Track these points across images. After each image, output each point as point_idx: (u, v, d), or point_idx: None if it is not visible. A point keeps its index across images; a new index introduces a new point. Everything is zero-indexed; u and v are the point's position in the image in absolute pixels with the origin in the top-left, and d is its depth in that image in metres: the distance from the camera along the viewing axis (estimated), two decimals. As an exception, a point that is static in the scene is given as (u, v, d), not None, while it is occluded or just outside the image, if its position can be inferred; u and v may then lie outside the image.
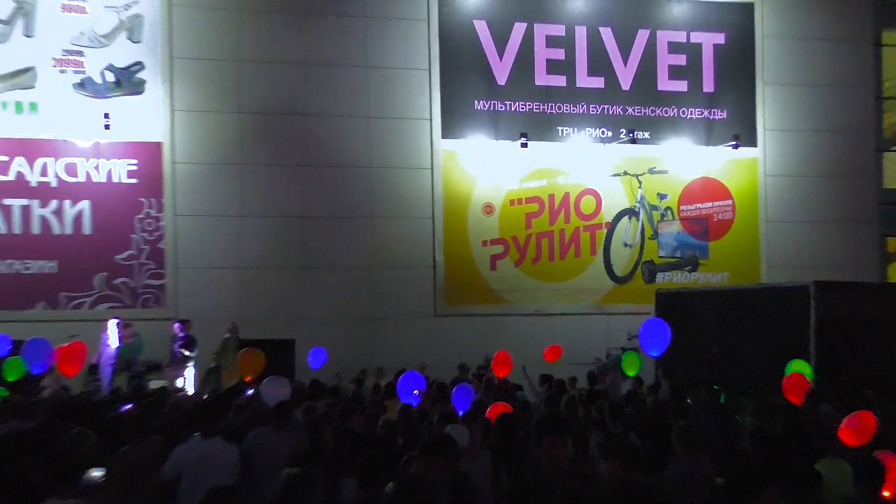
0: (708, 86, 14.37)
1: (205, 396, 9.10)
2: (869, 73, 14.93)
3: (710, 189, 14.31)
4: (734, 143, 13.98)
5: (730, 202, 14.30)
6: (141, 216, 12.37)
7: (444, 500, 3.43)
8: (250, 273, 12.47)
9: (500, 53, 13.55)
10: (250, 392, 8.08)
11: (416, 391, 7.42)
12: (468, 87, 13.51)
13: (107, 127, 12.04)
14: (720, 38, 14.34)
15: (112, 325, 10.35)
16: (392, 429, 5.88)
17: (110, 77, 12.38)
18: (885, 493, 4.04)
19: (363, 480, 3.90)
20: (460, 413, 6.00)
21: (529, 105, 13.69)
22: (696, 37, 14.30)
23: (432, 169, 13.17)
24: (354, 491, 4.07)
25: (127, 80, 12.37)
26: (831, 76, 14.53)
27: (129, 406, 7.23)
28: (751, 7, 14.37)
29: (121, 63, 12.26)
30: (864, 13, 14.80)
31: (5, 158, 12.03)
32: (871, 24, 14.97)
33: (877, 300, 11.11)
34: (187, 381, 10.50)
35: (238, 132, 12.69)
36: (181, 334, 10.93)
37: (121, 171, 12.31)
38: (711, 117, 14.28)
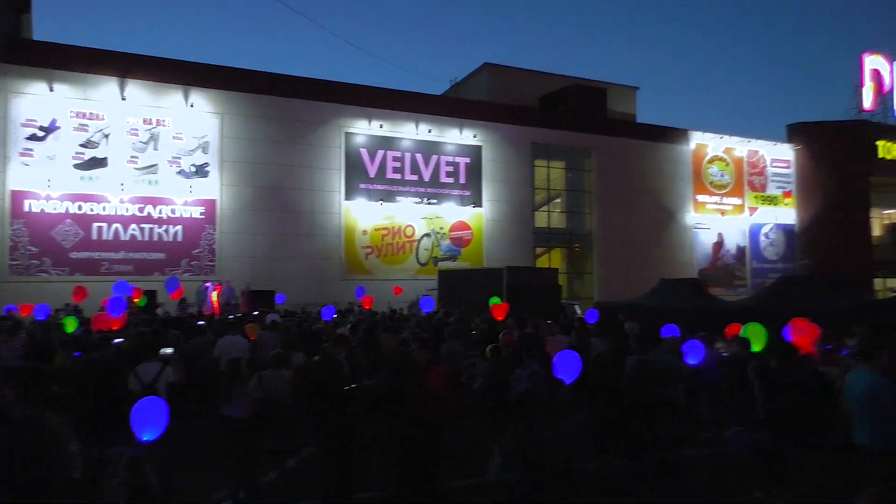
0: (462, 180, 28.40)
1: (229, 317, 16.03)
2: (528, 176, 30.41)
3: (463, 226, 29.04)
4: (473, 205, 29.36)
5: (471, 231, 29.82)
6: (205, 234, 25.14)
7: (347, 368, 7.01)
8: (256, 259, 24.33)
9: (371, 162, 26.56)
10: (256, 313, 16.13)
11: (334, 315, 20.93)
12: (356, 177, 26.44)
13: (190, 191, 24.94)
14: (468, 160, 28.56)
15: (206, 285, 23.19)
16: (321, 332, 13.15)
17: (193, 169, 24.99)
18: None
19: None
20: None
21: (383, 186, 26.91)
22: (458, 159, 28.33)
23: (340, 214, 26.30)
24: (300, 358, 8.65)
25: (201, 170, 25.10)
26: (512, 178, 29.41)
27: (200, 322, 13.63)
28: (480, 148, 28.79)
29: (199, 162, 25.12)
30: (526, 150, 30.14)
31: (142, 205, 22.86)
32: (530, 153, 30.38)
33: (531, 274, 23.73)
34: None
35: (252, 195, 24.52)
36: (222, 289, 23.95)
37: (195, 212, 24.92)
38: (464, 194, 28.80)
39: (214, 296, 21.27)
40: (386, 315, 18.35)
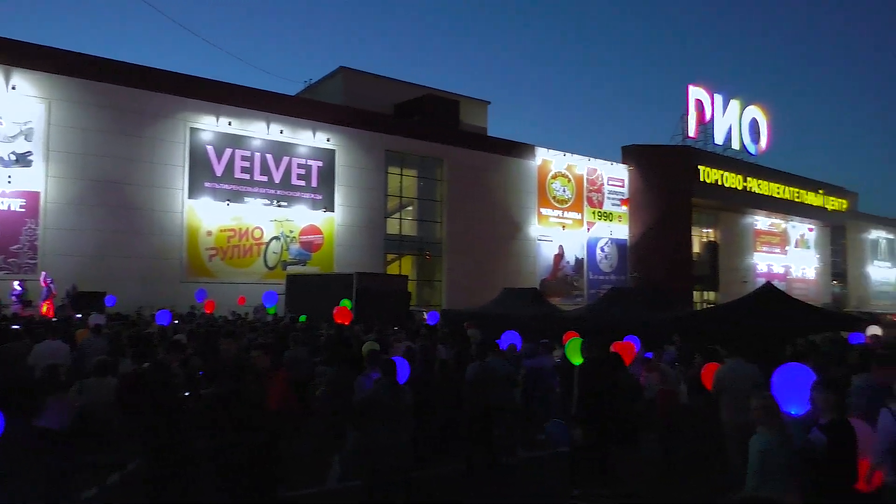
0: (315, 184, 27.98)
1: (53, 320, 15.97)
2: (381, 182, 30.50)
3: (314, 230, 28.49)
4: (325, 210, 28.78)
5: (322, 235, 29.38)
6: (25, 228, 22.67)
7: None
8: (85, 258, 22.22)
9: (219, 160, 25.48)
10: (79, 316, 17.32)
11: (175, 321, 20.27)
12: (201, 175, 25.18)
13: (9, 182, 22.50)
14: (321, 164, 28.16)
15: (16, 283, 21.14)
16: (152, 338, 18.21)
17: (13, 157, 22.54)
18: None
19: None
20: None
21: (231, 186, 25.85)
22: (310, 161, 27.87)
23: (183, 213, 24.81)
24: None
25: (23, 159, 22.73)
26: (365, 183, 29.37)
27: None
28: (333, 152, 28.45)
29: (20, 150, 22.70)
30: (380, 156, 30.23)
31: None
32: (384, 160, 30.54)
33: (381, 280, 23.87)
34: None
35: (82, 188, 22.60)
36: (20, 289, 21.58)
37: (14, 205, 22.35)
38: (316, 197, 28.47)
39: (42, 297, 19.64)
40: (227, 319, 17.76)
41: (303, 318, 17.08)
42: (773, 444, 4.86)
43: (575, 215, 38.09)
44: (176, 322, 15.38)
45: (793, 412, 5.54)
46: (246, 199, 26.53)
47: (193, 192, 25.24)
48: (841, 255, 54.07)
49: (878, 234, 57.63)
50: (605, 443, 7.31)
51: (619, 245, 40.17)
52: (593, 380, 7.35)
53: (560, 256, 37.25)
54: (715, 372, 8.09)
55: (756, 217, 47.06)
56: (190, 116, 25.28)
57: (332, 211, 28.72)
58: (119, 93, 23.72)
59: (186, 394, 6.98)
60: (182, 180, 25.03)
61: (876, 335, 12.97)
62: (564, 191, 37.72)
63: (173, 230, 24.71)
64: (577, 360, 8.17)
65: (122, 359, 8.67)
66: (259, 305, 21.30)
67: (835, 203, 51.17)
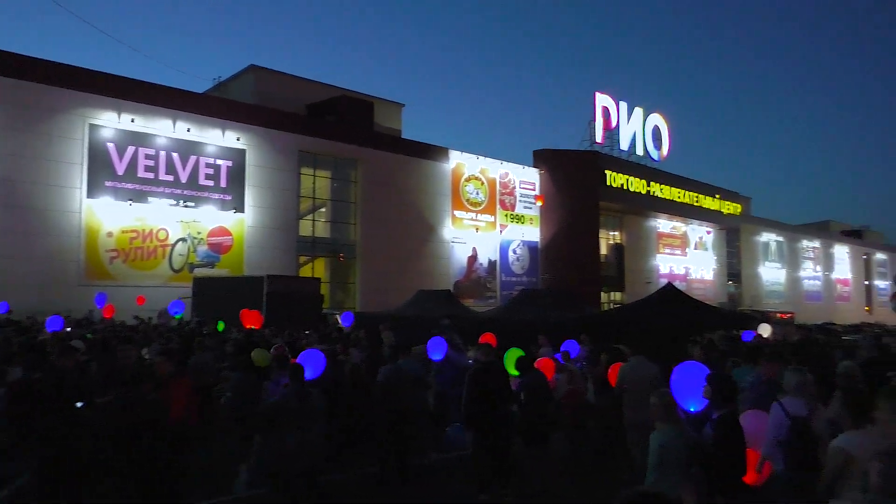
0: (224, 184, 27.09)
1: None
2: (294, 183, 29.89)
3: (223, 231, 27.34)
4: (234, 211, 27.71)
5: (231, 237, 28.25)
6: None
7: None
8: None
9: (120, 158, 24.32)
10: None
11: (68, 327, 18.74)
12: (102, 174, 23.93)
13: None
14: (230, 163, 27.32)
15: None
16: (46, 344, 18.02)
17: None
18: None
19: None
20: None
21: (134, 185, 24.64)
22: (219, 161, 26.98)
23: (81, 213, 23.45)
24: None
25: None
26: (277, 184, 28.73)
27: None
28: (244, 152, 27.76)
29: None
30: (293, 157, 29.63)
31: None
32: (297, 161, 30.04)
33: (293, 283, 23.68)
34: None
35: None
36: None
37: None
38: (225, 198, 27.43)
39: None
40: (127, 324, 17.04)
41: (221, 325, 16.48)
42: (671, 440, 5.05)
43: (488, 218, 38.58)
44: (69, 329, 14.51)
45: (691, 409, 5.77)
46: (150, 199, 25.43)
47: (93, 191, 24.00)
48: (736, 257, 57.08)
49: (768, 237, 61.18)
50: (500, 445, 7.42)
51: (531, 247, 40.97)
52: (483, 383, 7.47)
53: (474, 258, 37.64)
54: (618, 370, 8.36)
55: (658, 220, 49.02)
56: (89, 112, 24.03)
57: (243, 212, 27.95)
58: (9, 86, 22.31)
59: (79, 404, 6.60)
60: (80, 179, 23.76)
61: (759, 335, 13.79)
62: (478, 193, 38.14)
63: (70, 231, 23.41)
64: (513, 371, 8.31)
65: (12, 367, 8.11)
66: (163, 310, 20.49)
67: (730, 207, 53.97)
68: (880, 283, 74.86)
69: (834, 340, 16.88)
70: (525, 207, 40.74)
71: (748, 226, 58.07)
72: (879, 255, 77.01)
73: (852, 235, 75.48)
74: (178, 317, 19.43)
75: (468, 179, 37.67)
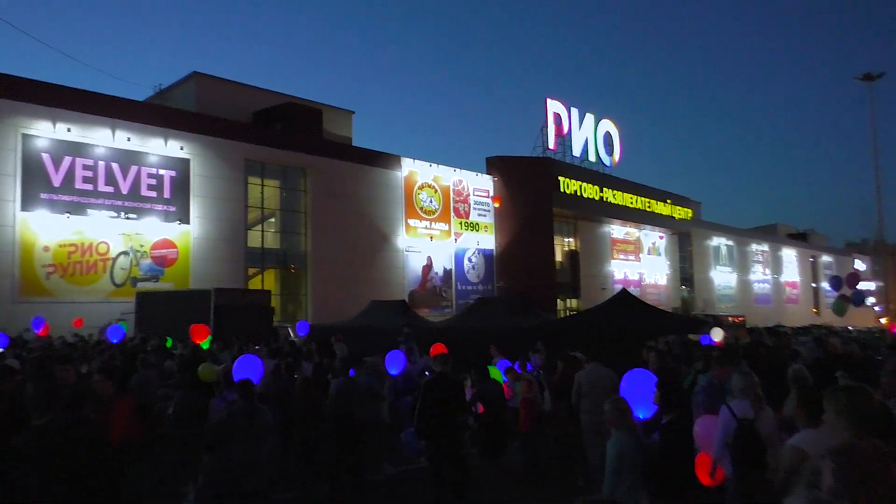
0: (168, 195, 26.45)
1: None
2: (241, 193, 29.42)
3: (167, 244, 26.54)
4: (179, 222, 27.06)
5: (176, 249, 27.77)
6: None
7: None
8: None
9: (56, 169, 23.53)
10: None
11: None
12: (36, 185, 23.13)
13: None
14: (174, 173, 26.72)
15: None
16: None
17: None
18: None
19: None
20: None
21: (71, 197, 23.82)
22: (162, 171, 26.33)
23: (15, 227, 22.59)
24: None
25: None
26: (223, 194, 28.22)
27: None
28: (188, 161, 27.30)
29: None
30: (239, 166, 29.31)
31: None
32: (244, 170, 29.80)
33: (242, 295, 22.88)
34: None
35: None
36: None
37: None
38: (169, 209, 26.66)
39: None
40: (65, 342, 16.51)
41: (169, 342, 16.09)
42: (627, 446, 5.12)
43: (442, 226, 38.65)
44: (1, 349, 13.97)
45: (640, 416, 5.86)
46: (89, 211, 24.68)
47: (27, 203, 23.19)
48: (688, 261, 58.42)
49: (719, 241, 62.80)
50: (455, 456, 7.42)
51: (486, 255, 41.18)
52: (437, 393, 7.47)
53: (429, 267, 37.63)
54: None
55: (612, 226, 49.84)
56: (22, 121, 23.27)
57: (188, 223, 27.36)
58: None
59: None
60: (13, 191, 22.94)
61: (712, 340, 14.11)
62: (431, 202, 38.19)
63: (4, 246, 22.54)
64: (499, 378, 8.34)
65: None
66: (104, 327, 19.92)
67: (681, 212, 55.22)
68: (826, 286, 77.54)
69: (783, 342, 17.36)
70: (479, 215, 40.94)
71: (699, 230, 59.50)
72: (825, 258, 79.73)
73: (798, 238, 78.01)
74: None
75: (421, 187, 37.69)
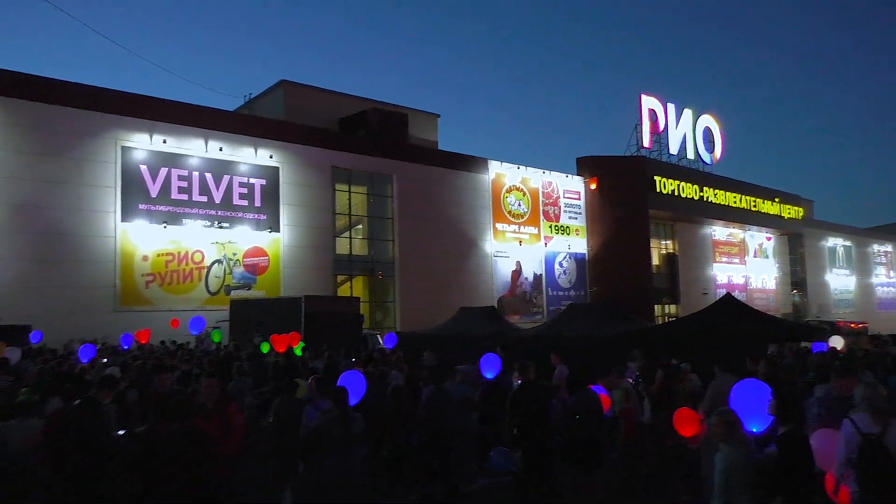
0: (258, 203, 27.61)
1: None
2: (328, 200, 30.45)
3: (259, 252, 27.92)
4: (270, 230, 28.23)
5: (267, 257, 28.83)
6: None
7: None
8: (4, 290, 21.36)
9: (153, 181, 24.97)
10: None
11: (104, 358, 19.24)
12: (135, 197, 24.59)
13: None
14: (264, 182, 27.86)
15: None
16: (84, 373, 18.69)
17: None
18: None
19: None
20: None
21: (167, 208, 25.28)
22: (253, 180, 27.57)
23: (116, 237, 24.16)
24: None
25: None
26: (312, 202, 29.18)
27: None
28: (277, 169, 28.41)
29: None
30: (327, 173, 30.00)
31: None
32: (331, 177, 30.61)
33: (331, 303, 24.08)
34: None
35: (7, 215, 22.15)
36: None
37: None
38: (260, 217, 27.92)
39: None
40: (166, 350, 17.33)
41: (265, 346, 16.68)
42: (736, 461, 4.95)
43: (531, 230, 38.45)
44: (104, 359, 14.66)
45: (754, 429, 5.65)
46: (184, 220, 26.00)
47: (127, 214, 24.64)
48: (799, 264, 55.73)
49: (835, 242, 59.66)
50: (544, 468, 7.35)
51: (578, 259, 40.67)
52: (527, 404, 7.41)
53: (518, 272, 37.51)
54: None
55: (713, 227, 48.23)
56: (120, 134, 24.76)
57: (278, 231, 28.38)
58: (39, 110, 23.10)
59: (121, 432, 6.73)
60: (114, 203, 24.42)
61: (833, 348, 13.42)
62: (520, 205, 38.07)
63: (105, 256, 24.02)
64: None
65: (51, 398, 8.30)
66: (203, 335, 20.94)
67: (791, 211, 52.80)
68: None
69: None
70: (570, 218, 40.51)
71: (812, 230, 56.72)
72: (959, 258, 74.31)
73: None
74: (216, 335, 19.84)
75: (509, 190, 37.64)
